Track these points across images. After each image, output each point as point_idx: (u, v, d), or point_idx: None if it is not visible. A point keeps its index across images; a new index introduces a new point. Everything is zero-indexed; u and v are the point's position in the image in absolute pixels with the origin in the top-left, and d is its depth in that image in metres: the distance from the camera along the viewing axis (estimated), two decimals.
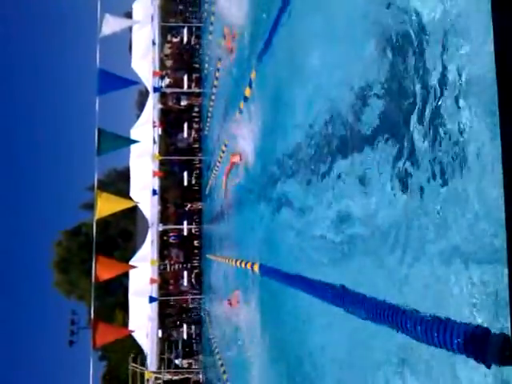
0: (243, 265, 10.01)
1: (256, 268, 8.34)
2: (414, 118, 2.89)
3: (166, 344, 28.73)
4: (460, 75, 2.46)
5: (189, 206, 31.24)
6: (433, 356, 2.66)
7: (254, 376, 9.27)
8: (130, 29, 23.05)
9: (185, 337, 29.14)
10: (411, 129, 2.92)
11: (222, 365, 14.78)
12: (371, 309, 3.12)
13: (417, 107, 2.86)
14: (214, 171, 20.43)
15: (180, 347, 28.70)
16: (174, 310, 29.74)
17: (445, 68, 2.59)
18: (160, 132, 28.66)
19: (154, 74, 24.39)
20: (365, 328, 3.44)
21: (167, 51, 32.25)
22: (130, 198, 20.96)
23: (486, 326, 2.24)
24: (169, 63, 32.08)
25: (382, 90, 3.45)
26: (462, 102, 2.45)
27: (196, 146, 32.27)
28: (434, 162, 2.69)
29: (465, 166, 2.44)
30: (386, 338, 3.16)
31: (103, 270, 14.78)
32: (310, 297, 4.84)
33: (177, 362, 28.19)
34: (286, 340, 6.83)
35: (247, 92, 10.18)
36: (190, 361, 28.61)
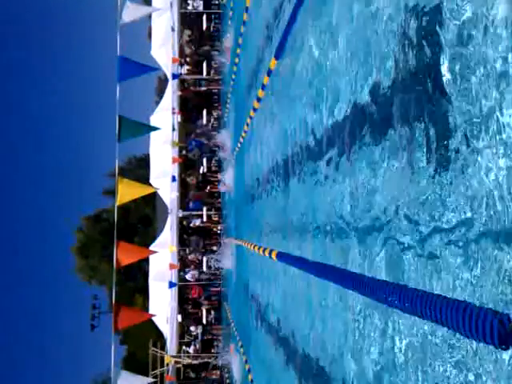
0: (261, 251, 10.13)
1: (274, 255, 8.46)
2: None
3: (185, 332, 29.04)
4: None
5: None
6: None
7: (272, 354, 9.41)
8: (150, 16, 23.09)
9: (204, 322, 29.39)
10: None
11: (241, 346, 15.01)
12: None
13: None
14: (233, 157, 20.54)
15: (199, 338, 28.90)
16: (193, 294, 29.95)
17: None
18: (179, 119, 28.72)
19: (173, 60, 24.43)
20: None
21: (186, 38, 32.23)
22: (150, 185, 21.13)
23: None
24: (187, 50, 32.08)
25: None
26: None
27: (215, 132, 32.27)
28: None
29: None
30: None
31: (124, 255, 14.88)
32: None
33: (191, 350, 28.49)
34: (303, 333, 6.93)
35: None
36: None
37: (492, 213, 2.49)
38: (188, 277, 28.87)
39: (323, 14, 5.89)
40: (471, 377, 2.63)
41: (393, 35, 3.69)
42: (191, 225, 29.79)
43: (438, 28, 2.96)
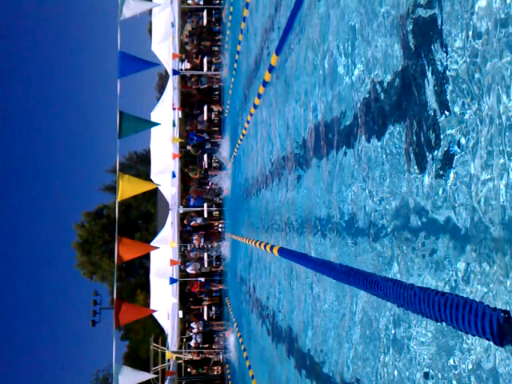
0: (262, 246, 10.14)
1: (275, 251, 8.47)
2: None
3: (187, 327, 29.12)
4: None
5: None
6: None
7: (269, 346, 9.42)
8: (150, 11, 23.00)
9: (205, 318, 29.45)
10: None
11: (241, 343, 15.03)
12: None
13: None
14: (234, 153, 20.56)
15: (200, 334, 28.94)
16: (193, 289, 30.01)
17: None
18: (180, 115, 28.70)
19: (173, 56, 24.35)
20: None
21: (186, 34, 32.21)
22: (151, 181, 21.08)
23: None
24: (188, 46, 32.07)
25: None
26: None
27: (216, 128, 32.29)
28: None
29: None
30: None
31: (125, 251, 14.91)
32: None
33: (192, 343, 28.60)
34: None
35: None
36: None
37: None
38: (189, 269, 28.96)
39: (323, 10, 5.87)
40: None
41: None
42: (192, 223, 29.84)
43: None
